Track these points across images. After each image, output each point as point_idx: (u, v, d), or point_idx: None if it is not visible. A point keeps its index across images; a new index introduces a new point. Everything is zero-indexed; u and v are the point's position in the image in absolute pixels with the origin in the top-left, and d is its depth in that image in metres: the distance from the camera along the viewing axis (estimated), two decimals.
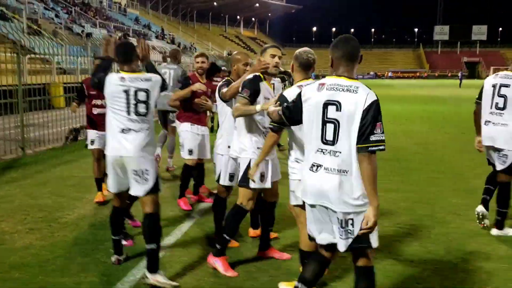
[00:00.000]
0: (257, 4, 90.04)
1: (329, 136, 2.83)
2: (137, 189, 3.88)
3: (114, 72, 4.02)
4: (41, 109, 10.63)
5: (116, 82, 3.86)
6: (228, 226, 4.11)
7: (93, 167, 6.26)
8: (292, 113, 3.13)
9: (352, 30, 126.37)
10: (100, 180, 6.19)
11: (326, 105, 2.84)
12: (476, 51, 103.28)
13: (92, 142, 6.16)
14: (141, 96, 3.87)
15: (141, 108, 3.87)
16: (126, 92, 3.84)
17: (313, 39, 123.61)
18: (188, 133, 5.97)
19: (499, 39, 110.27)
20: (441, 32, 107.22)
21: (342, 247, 2.85)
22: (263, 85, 4.02)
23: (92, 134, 6.17)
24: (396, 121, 15.61)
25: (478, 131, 5.22)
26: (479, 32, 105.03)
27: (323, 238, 2.98)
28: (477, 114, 5.24)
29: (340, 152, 2.79)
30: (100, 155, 5.98)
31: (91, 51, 13.74)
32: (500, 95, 4.95)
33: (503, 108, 4.92)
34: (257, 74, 4.03)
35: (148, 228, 3.91)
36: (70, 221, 5.34)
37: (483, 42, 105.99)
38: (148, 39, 46.66)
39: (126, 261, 4.30)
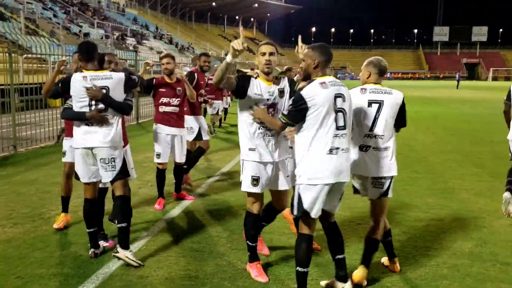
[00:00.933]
0: (256, 4, 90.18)
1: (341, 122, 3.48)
2: (106, 176, 4.30)
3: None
4: (37, 108, 10.78)
5: (78, 81, 4.18)
6: (246, 233, 4.15)
7: (61, 183, 5.36)
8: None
9: (352, 31, 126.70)
10: (67, 200, 5.32)
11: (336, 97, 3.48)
12: (476, 52, 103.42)
13: (64, 153, 5.22)
14: None
15: (101, 105, 4.20)
16: (87, 89, 4.16)
17: (312, 39, 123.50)
18: (156, 134, 6.08)
19: (499, 40, 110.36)
20: (440, 33, 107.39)
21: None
22: (256, 82, 3.86)
23: (66, 143, 5.20)
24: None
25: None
26: (479, 33, 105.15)
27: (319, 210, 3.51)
28: (507, 114, 5.86)
29: (346, 134, 3.51)
30: (71, 170, 5.00)
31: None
32: None
33: None
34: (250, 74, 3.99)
35: (119, 208, 4.37)
36: (53, 217, 5.49)
37: (483, 43, 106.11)
38: (146, 39, 46.84)
39: (102, 255, 4.48)
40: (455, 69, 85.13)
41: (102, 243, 4.62)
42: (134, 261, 4.21)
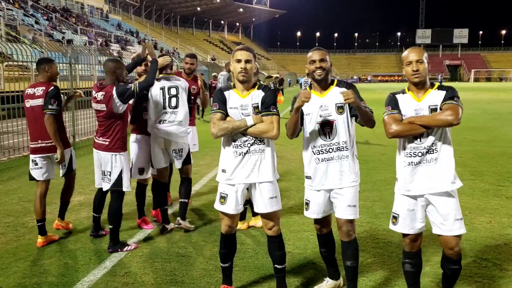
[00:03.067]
0: (241, 9, 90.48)
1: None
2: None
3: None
4: (19, 117, 10.63)
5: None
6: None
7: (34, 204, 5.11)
8: None
9: (336, 35, 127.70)
10: (42, 221, 5.02)
11: None
12: (458, 54, 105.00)
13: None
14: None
15: None
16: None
17: (298, 43, 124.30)
18: (135, 145, 5.41)
19: (479, 42, 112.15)
20: (423, 36, 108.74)
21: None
22: (231, 93, 3.59)
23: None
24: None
25: None
26: (460, 35, 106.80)
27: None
28: None
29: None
30: (46, 188, 5.13)
31: (71, 57, 13.80)
32: None
33: None
34: (224, 86, 3.76)
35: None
36: (36, 226, 5.44)
37: (464, 45, 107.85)
38: (130, 44, 46.64)
39: (88, 262, 4.46)
40: (438, 71, 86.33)
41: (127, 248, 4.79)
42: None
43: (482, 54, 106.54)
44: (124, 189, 4.81)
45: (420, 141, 3.22)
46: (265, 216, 3.65)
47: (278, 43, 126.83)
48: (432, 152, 3.21)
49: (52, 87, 4.94)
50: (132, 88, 4.67)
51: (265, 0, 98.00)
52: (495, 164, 8.91)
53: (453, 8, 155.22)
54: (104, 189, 4.95)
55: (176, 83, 5.26)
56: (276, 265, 3.72)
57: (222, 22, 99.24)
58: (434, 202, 3.23)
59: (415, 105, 3.25)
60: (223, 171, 3.62)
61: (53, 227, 5.38)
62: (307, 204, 3.66)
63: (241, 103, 3.54)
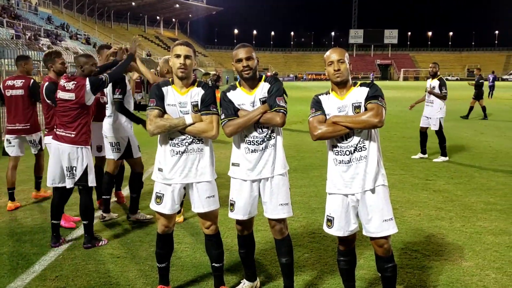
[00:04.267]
0: (177, 5, 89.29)
1: None
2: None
3: None
4: None
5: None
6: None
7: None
8: None
9: (273, 33, 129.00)
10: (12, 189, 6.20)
11: None
12: (388, 54, 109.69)
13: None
14: None
15: None
16: None
17: (235, 41, 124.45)
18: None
19: (408, 42, 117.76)
20: (355, 36, 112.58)
21: None
22: (169, 89, 3.48)
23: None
24: (305, 120, 16.20)
25: None
26: (391, 36, 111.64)
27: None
28: None
29: None
30: (17, 162, 6.37)
31: None
32: None
33: None
34: (162, 80, 3.63)
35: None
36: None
37: (394, 45, 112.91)
38: (61, 39, 44.65)
39: (15, 267, 4.21)
40: (370, 70, 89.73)
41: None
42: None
43: (411, 54, 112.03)
44: (90, 184, 4.73)
45: (347, 140, 3.20)
46: (202, 215, 3.58)
47: (215, 40, 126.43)
48: (360, 150, 3.19)
49: (32, 81, 6.15)
50: (103, 79, 4.68)
51: None
52: (423, 159, 9.37)
53: (384, 10, 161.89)
54: (67, 187, 4.73)
55: None
56: (213, 264, 3.68)
57: (158, 17, 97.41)
58: (363, 201, 3.22)
59: (338, 103, 3.23)
60: (160, 170, 3.51)
61: (31, 197, 6.51)
62: (232, 205, 3.60)
63: (180, 100, 3.44)
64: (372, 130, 3.19)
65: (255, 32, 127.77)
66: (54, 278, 4.00)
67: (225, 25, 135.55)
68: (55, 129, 4.74)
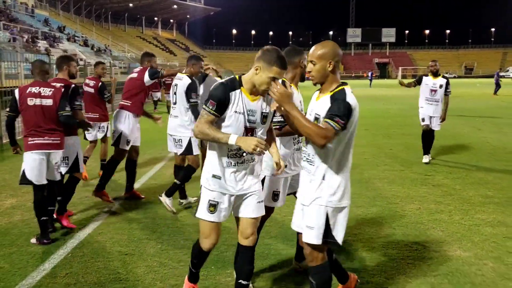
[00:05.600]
0: (175, 6, 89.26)
1: None
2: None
3: None
4: None
5: None
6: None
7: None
8: None
9: (271, 33, 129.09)
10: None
11: None
12: (386, 53, 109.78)
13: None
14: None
15: None
16: None
17: (233, 41, 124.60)
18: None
19: (406, 41, 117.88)
20: (353, 35, 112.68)
21: None
22: (237, 94, 3.13)
23: None
24: None
25: None
26: (388, 34, 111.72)
27: None
28: None
29: None
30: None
31: None
32: None
33: None
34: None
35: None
36: None
37: (392, 44, 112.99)
38: (59, 41, 44.68)
39: (26, 265, 4.32)
40: (368, 69, 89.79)
41: None
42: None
43: (409, 52, 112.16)
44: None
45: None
46: (246, 223, 3.29)
47: (214, 41, 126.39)
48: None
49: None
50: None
51: None
52: (422, 155, 9.49)
53: (382, 8, 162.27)
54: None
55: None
56: (241, 281, 3.30)
57: (156, 18, 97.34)
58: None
59: (312, 105, 3.14)
60: (216, 177, 3.23)
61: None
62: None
63: (250, 108, 3.12)
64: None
65: (253, 32, 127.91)
66: (64, 275, 4.10)
67: (223, 25, 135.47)
68: (35, 139, 4.92)
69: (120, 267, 4.27)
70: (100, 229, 5.30)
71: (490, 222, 5.34)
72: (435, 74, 8.82)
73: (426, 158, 8.77)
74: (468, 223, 5.34)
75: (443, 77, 8.84)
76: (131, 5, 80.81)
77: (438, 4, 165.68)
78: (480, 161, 8.86)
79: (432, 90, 8.75)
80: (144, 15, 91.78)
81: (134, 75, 6.49)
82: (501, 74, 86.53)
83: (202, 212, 3.27)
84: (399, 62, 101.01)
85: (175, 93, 5.88)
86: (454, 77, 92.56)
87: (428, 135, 8.82)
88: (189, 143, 5.88)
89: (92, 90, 7.78)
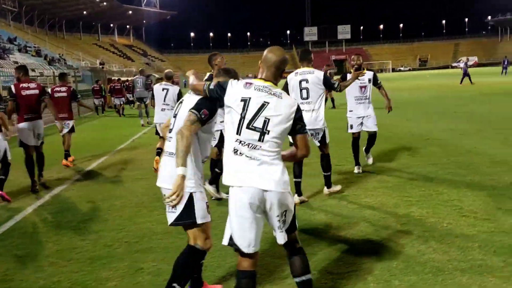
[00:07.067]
0: (130, 12, 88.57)
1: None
2: None
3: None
4: None
5: None
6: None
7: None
8: None
9: (229, 34, 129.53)
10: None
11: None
12: (342, 49, 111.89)
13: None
14: None
15: None
16: None
17: (192, 44, 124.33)
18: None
19: (361, 36, 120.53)
20: (310, 33, 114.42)
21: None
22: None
23: None
24: None
25: None
26: (344, 31, 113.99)
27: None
28: None
29: None
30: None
31: None
32: None
33: None
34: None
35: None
36: None
37: (348, 40, 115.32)
38: (9, 53, 43.66)
39: None
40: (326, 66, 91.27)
41: None
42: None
43: (364, 48, 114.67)
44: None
45: None
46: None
47: (172, 44, 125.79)
48: None
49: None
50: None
51: (155, 1, 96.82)
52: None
53: (336, 6, 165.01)
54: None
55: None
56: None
57: (112, 25, 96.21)
58: None
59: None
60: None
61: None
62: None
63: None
64: None
65: (211, 34, 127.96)
66: None
67: (181, 28, 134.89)
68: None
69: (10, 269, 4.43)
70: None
71: (372, 206, 5.77)
72: (359, 70, 7.57)
73: (358, 169, 7.65)
74: (353, 206, 5.78)
75: (369, 70, 7.90)
76: (85, 12, 79.65)
77: None
78: (392, 149, 9.37)
79: (361, 87, 7.71)
80: (100, 22, 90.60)
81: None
82: (454, 64, 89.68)
83: (206, 215, 3.30)
84: None
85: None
86: (409, 70, 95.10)
87: (358, 143, 7.73)
88: (221, 136, 6.30)
89: (65, 95, 9.76)
